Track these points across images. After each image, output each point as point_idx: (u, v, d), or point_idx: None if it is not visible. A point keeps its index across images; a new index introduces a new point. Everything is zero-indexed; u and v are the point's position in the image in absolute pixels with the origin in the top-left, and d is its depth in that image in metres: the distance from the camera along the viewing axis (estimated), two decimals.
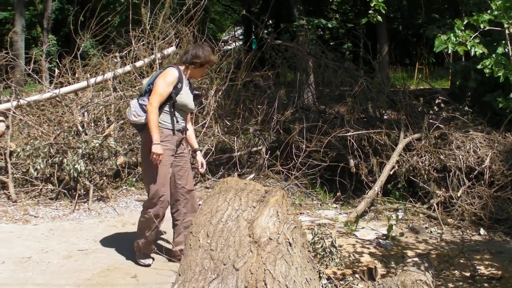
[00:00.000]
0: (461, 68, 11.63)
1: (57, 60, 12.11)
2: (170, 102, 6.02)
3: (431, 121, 10.03)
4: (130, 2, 12.25)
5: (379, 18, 6.51)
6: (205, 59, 6.22)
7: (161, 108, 5.98)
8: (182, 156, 6.30)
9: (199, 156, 6.57)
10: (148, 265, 6.32)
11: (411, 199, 8.95)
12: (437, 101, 10.91)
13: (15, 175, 9.33)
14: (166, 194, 6.09)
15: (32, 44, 32.15)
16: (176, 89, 6.02)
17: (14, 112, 10.35)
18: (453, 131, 9.47)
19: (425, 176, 8.99)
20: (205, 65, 6.30)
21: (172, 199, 6.32)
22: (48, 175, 9.22)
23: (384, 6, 6.31)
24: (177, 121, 6.12)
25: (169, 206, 6.33)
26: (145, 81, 6.46)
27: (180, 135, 6.20)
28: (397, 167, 9.22)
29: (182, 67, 6.22)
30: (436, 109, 10.68)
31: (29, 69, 11.81)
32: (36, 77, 11.89)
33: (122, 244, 6.65)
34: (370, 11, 6.48)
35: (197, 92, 6.56)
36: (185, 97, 6.11)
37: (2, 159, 9.60)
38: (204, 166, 6.56)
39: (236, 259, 4.02)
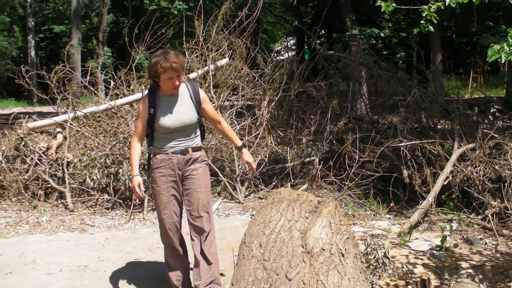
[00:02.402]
0: None
1: (113, 72, 12.26)
2: (149, 129, 5.45)
3: (485, 130, 9.87)
4: (183, 15, 12.39)
5: (431, 28, 6.44)
6: (151, 68, 5.28)
7: (152, 134, 5.48)
8: (190, 178, 5.50)
9: (245, 155, 5.78)
10: None
11: (465, 209, 8.81)
12: (492, 110, 10.76)
13: (72, 185, 9.53)
14: (169, 221, 5.50)
15: (88, 57, 32.91)
16: (151, 116, 5.36)
17: (71, 124, 10.55)
18: (508, 140, 9.30)
19: (480, 186, 8.85)
20: (163, 74, 5.20)
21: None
22: (104, 185, 9.39)
23: (436, 16, 6.26)
24: (171, 144, 5.42)
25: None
26: None
27: (180, 156, 5.42)
28: (451, 178, 9.11)
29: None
30: (491, 119, 10.52)
31: (86, 81, 11.96)
32: (92, 89, 12.06)
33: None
34: (421, 21, 6.43)
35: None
36: (163, 120, 5.33)
37: (59, 169, 9.81)
38: (253, 165, 5.77)
39: (289, 269, 4.06)
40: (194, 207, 5.47)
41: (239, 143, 5.85)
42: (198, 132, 5.64)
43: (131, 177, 5.59)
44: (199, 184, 5.50)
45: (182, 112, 5.41)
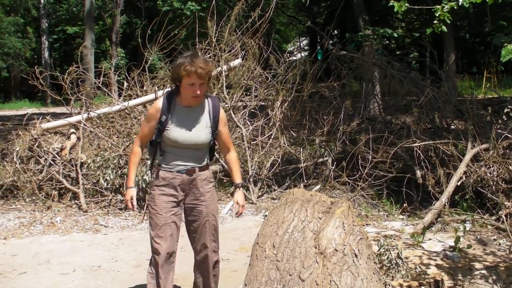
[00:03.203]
0: None
1: (126, 73, 12.31)
2: (159, 139, 4.85)
3: (499, 131, 9.81)
4: (196, 15, 12.42)
5: (444, 28, 6.42)
6: (174, 69, 4.76)
7: (156, 147, 4.91)
8: (198, 204, 4.98)
9: (238, 194, 5.13)
10: None
11: (479, 210, 8.75)
12: (505, 110, 10.69)
13: (85, 186, 9.57)
14: (162, 247, 4.86)
15: (102, 58, 33.05)
16: (161, 123, 4.78)
17: (84, 124, 10.60)
18: None
19: (493, 187, 8.80)
20: (185, 78, 4.61)
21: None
22: (117, 186, 9.42)
23: (449, 16, 6.24)
24: (176, 160, 4.85)
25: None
26: None
27: (185, 176, 4.86)
28: (464, 178, 9.06)
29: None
30: (505, 119, 10.45)
31: (99, 82, 12.01)
32: (105, 90, 12.10)
33: (189, 254, 6.74)
34: (435, 21, 6.41)
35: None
36: (173, 131, 4.77)
37: (73, 170, 9.85)
38: (242, 209, 5.12)
39: (302, 270, 4.05)
40: (201, 234, 5.04)
41: (238, 180, 5.16)
42: (208, 152, 5.07)
43: (126, 187, 5.16)
44: (207, 212, 5.00)
45: (197, 129, 4.84)
